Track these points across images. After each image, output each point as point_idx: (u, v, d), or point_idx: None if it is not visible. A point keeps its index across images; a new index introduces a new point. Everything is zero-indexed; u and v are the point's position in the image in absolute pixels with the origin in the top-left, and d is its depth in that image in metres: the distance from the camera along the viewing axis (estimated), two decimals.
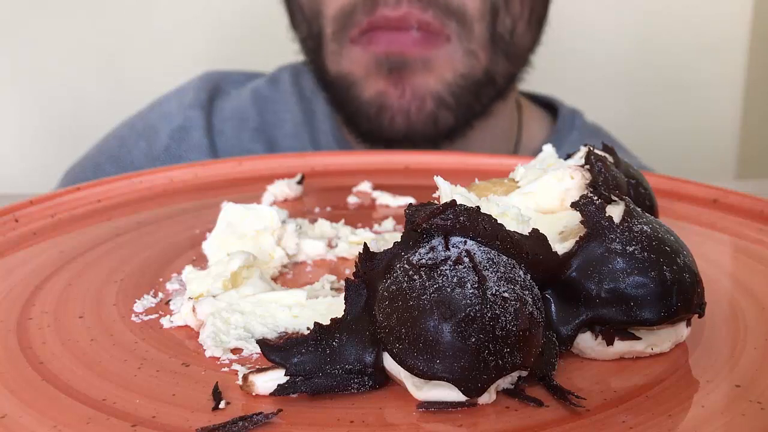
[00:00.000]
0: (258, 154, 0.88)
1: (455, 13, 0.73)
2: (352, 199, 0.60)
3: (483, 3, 0.74)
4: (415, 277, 0.29)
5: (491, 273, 0.29)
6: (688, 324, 0.35)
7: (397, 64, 0.74)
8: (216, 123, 0.91)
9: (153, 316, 0.39)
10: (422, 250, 0.30)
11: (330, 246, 0.49)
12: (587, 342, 0.34)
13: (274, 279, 0.45)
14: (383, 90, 0.76)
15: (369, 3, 0.72)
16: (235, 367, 0.33)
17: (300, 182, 0.62)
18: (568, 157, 0.43)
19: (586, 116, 0.95)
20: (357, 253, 0.32)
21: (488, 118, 0.83)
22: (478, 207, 0.31)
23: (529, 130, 0.92)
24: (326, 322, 0.32)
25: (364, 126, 0.79)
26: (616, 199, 0.34)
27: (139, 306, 0.40)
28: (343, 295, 0.32)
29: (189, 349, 0.35)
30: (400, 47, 0.73)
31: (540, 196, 0.38)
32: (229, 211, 0.47)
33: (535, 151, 0.89)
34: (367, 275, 0.32)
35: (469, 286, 0.29)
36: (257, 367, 0.32)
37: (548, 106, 0.97)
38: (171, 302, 0.40)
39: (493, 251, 0.30)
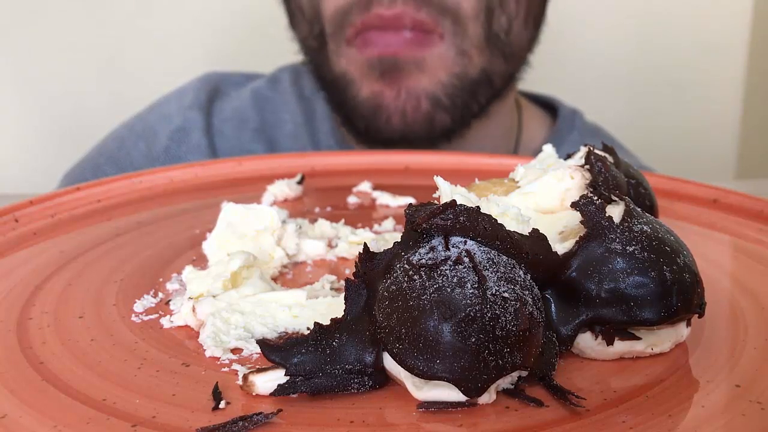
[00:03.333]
0: (258, 154, 0.88)
1: (449, 11, 0.73)
2: (352, 199, 0.60)
3: (478, 2, 0.74)
4: (415, 277, 0.29)
5: (491, 273, 0.29)
6: (688, 324, 0.35)
7: (390, 66, 0.74)
8: (216, 123, 0.91)
9: (153, 316, 0.39)
10: (422, 250, 0.30)
11: (330, 246, 0.49)
12: (587, 342, 0.34)
13: (274, 279, 0.45)
14: (378, 90, 0.76)
15: (364, 2, 0.73)
16: (235, 367, 0.33)
17: (300, 182, 0.62)
18: (568, 157, 0.43)
19: (586, 116, 0.95)
20: (357, 253, 0.32)
21: (487, 118, 0.83)
22: (478, 207, 0.31)
23: (529, 130, 0.92)
24: (326, 322, 0.32)
25: (361, 126, 0.80)
26: (616, 199, 0.34)
27: (139, 306, 0.40)
28: (343, 295, 0.32)
29: (189, 349, 0.35)
30: (393, 49, 0.74)
31: (540, 196, 0.38)
32: (229, 211, 0.47)
33: (535, 151, 0.89)
34: (367, 275, 0.32)
35: (469, 286, 0.29)
36: (257, 367, 0.32)
37: (548, 106, 0.97)
38: (171, 302, 0.40)
39: (493, 251, 0.30)
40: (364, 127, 0.79)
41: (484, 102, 0.80)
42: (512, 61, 0.80)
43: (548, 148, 0.43)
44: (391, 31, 0.73)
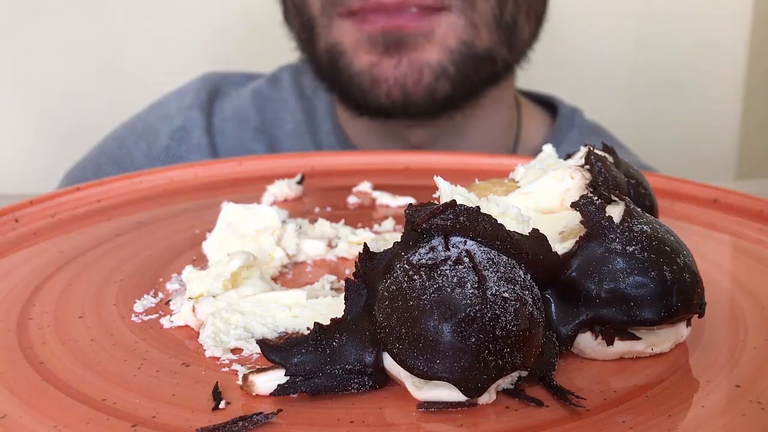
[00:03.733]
0: (259, 153, 0.88)
1: None
2: (352, 199, 0.60)
3: None
4: (415, 277, 0.29)
5: (491, 273, 0.29)
6: (688, 324, 0.35)
7: (394, 39, 0.72)
8: (216, 123, 0.91)
9: (153, 316, 0.39)
10: (422, 250, 0.30)
11: (330, 246, 0.49)
12: (587, 342, 0.34)
13: (274, 279, 0.45)
14: (376, 61, 0.74)
15: None
16: (235, 367, 0.33)
17: (300, 182, 0.62)
18: (568, 157, 0.43)
19: (585, 114, 0.95)
20: (357, 253, 0.32)
21: (485, 111, 0.83)
22: (478, 207, 0.31)
23: (529, 128, 0.92)
24: (326, 322, 0.32)
25: (358, 98, 0.77)
26: (616, 199, 0.34)
27: (139, 306, 0.40)
28: (343, 295, 0.32)
29: (189, 349, 0.35)
30: (397, 23, 0.71)
31: (540, 196, 0.38)
32: (229, 211, 0.47)
33: (535, 149, 0.89)
34: (367, 275, 0.32)
35: (469, 286, 0.29)
36: (257, 367, 0.32)
37: (547, 105, 0.97)
38: (171, 302, 0.40)
39: (493, 251, 0.30)
40: (361, 100, 0.77)
41: (483, 81, 0.78)
42: (514, 51, 0.79)
43: (548, 148, 0.43)
44: (394, 13, 0.71)
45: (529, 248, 0.32)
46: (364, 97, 0.76)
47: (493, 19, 0.74)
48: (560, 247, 0.33)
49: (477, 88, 0.79)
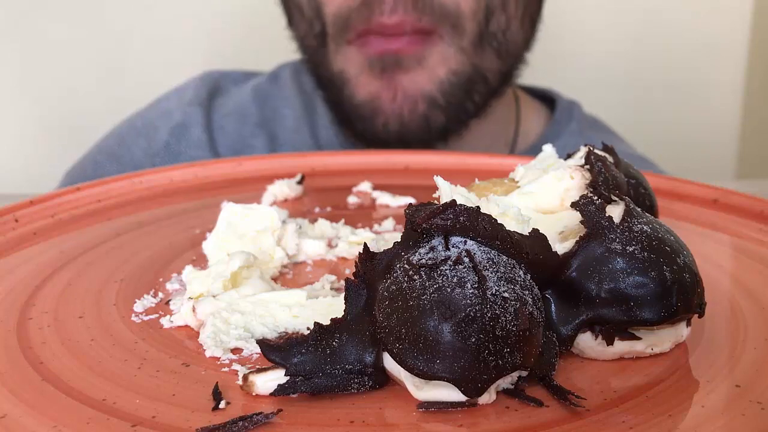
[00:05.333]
0: (259, 149, 0.88)
1: (450, 17, 0.75)
2: (352, 199, 0.60)
3: (477, 3, 0.75)
4: (415, 277, 0.29)
5: (491, 273, 0.29)
6: (688, 324, 0.35)
7: (391, 63, 0.75)
8: (216, 119, 0.91)
9: (153, 316, 0.39)
10: (422, 250, 0.30)
11: (330, 246, 0.49)
12: (587, 342, 0.34)
13: (274, 279, 0.45)
14: (376, 93, 0.77)
15: (365, 10, 0.74)
16: (235, 367, 0.33)
17: (300, 182, 0.62)
18: (568, 157, 0.43)
19: (584, 108, 0.95)
20: (357, 253, 0.32)
21: (485, 114, 0.83)
22: (478, 207, 0.31)
23: (527, 122, 0.92)
24: (326, 322, 0.32)
25: (358, 127, 0.80)
26: (616, 199, 0.34)
27: (139, 306, 0.40)
28: (343, 295, 0.32)
29: (189, 349, 0.35)
30: (395, 47, 0.74)
31: (540, 196, 0.38)
32: (229, 211, 0.47)
33: (534, 143, 0.89)
34: (367, 275, 0.32)
35: (469, 286, 0.29)
36: (257, 367, 0.32)
37: (546, 99, 0.97)
38: (171, 302, 0.40)
39: (493, 251, 0.30)
40: (361, 129, 0.80)
41: (480, 101, 0.80)
42: (506, 59, 0.80)
43: (548, 148, 0.43)
44: (391, 37, 0.74)
45: (529, 248, 0.32)
46: (363, 127, 0.80)
47: (477, 34, 0.76)
48: (560, 247, 0.33)
49: (474, 113, 0.81)
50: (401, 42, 0.74)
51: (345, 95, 0.79)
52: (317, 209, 0.58)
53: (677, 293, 0.32)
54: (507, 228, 0.31)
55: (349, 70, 0.78)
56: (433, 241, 0.31)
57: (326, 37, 0.79)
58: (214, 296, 0.39)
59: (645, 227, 0.33)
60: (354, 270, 0.32)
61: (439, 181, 0.36)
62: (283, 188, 0.60)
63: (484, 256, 0.30)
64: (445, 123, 0.79)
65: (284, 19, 0.86)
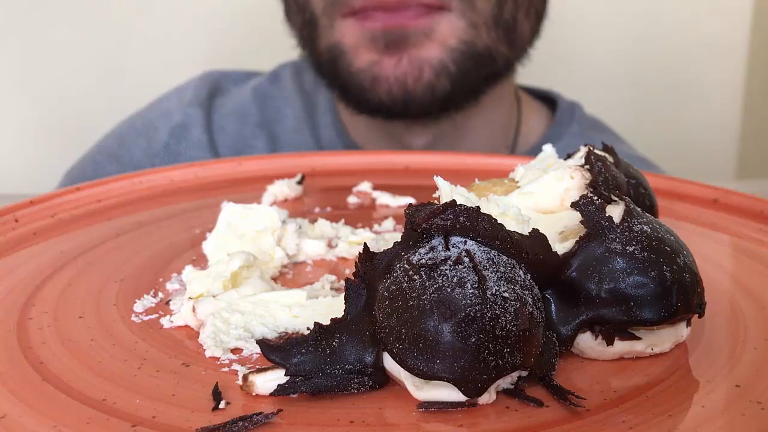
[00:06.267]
0: (259, 149, 0.88)
1: None
2: (352, 199, 0.60)
3: None
4: (415, 277, 0.29)
5: (491, 273, 0.29)
6: (688, 324, 0.35)
7: (396, 37, 0.72)
8: (216, 119, 0.91)
9: (153, 316, 0.39)
10: (422, 250, 0.30)
11: (330, 246, 0.49)
12: (587, 342, 0.34)
13: (274, 279, 0.45)
14: (376, 59, 0.74)
15: None
16: (235, 367, 0.33)
17: (300, 182, 0.62)
18: (568, 157, 0.43)
19: (585, 109, 0.95)
20: (357, 253, 0.32)
21: (485, 107, 0.83)
22: (478, 207, 0.31)
23: (529, 123, 0.92)
24: (326, 322, 0.32)
25: (358, 96, 0.78)
26: (616, 199, 0.34)
27: (139, 306, 0.40)
28: (343, 295, 0.32)
29: (189, 349, 0.35)
30: (399, 21, 0.72)
31: (540, 196, 0.38)
32: (229, 211, 0.47)
33: (535, 144, 0.89)
34: (367, 275, 0.32)
35: (469, 286, 0.29)
36: (257, 367, 0.32)
37: (547, 100, 0.97)
38: (171, 302, 0.40)
39: (493, 251, 0.30)
40: (361, 98, 0.77)
41: (483, 80, 0.79)
42: (514, 48, 0.80)
43: (548, 148, 0.43)
44: (395, 11, 0.72)
45: (529, 248, 0.32)
46: (364, 96, 0.77)
47: (492, 18, 0.75)
48: (560, 247, 0.33)
49: (477, 86, 0.79)
50: (406, 15, 0.71)
51: (341, 64, 0.76)
52: (317, 209, 0.58)
53: (677, 293, 0.32)
54: (507, 228, 0.31)
55: (346, 41, 0.75)
56: (433, 241, 0.31)
57: (317, 21, 0.76)
58: (214, 296, 0.39)
59: (645, 227, 0.33)
60: (354, 270, 0.32)
61: (439, 181, 0.36)
62: (283, 188, 0.60)
63: (484, 256, 0.30)
64: (450, 92, 0.76)
65: (283, 17, 0.86)
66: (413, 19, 0.72)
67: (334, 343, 0.31)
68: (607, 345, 0.33)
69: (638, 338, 0.34)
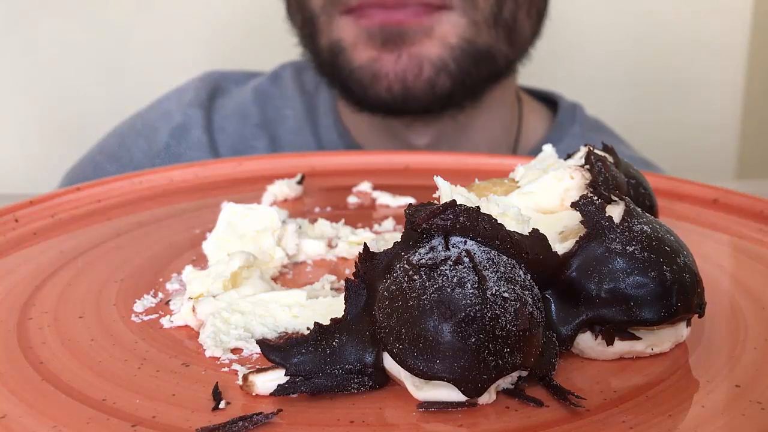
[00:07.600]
0: (260, 150, 0.88)
1: None
2: (352, 199, 0.60)
3: None
4: (415, 277, 0.29)
5: (491, 273, 0.29)
6: (688, 324, 0.35)
7: (393, 34, 0.72)
8: (217, 120, 0.91)
9: (153, 316, 0.39)
10: (422, 250, 0.30)
11: (330, 246, 0.49)
12: (587, 342, 0.34)
13: (274, 279, 0.45)
14: (375, 56, 0.74)
15: None
16: (235, 367, 0.33)
17: (300, 182, 0.62)
18: (568, 157, 0.43)
19: (586, 110, 0.95)
20: (357, 253, 0.32)
21: (487, 107, 0.83)
22: (478, 207, 0.31)
23: (530, 123, 0.92)
24: (326, 322, 0.32)
25: (359, 93, 0.78)
26: (616, 199, 0.34)
27: (139, 306, 0.40)
28: (343, 295, 0.32)
29: (189, 349, 0.35)
30: (397, 18, 0.72)
31: (540, 196, 0.38)
32: (229, 211, 0.47)
33: (536, 145, 0.89)
34: (367, 275, 0.32)
35: (469, 286, 0.29)
36: (257, 367, 0.32)
37: (548, 101, 0.97)
38: (171, 302, 0.40)
39: (493, 251, 0.30)
40: (362, 95, 0.77)
41: (483, 79, 0.78)
42: (515, 47, 0.80)
43: (548, 148, 0.43)
44: (393, 9, 0.72)
45: (529, 248, 0.32)
46: (364, 93, 0.77)
47: (492, 17, 0.75)
48: (560, 247, 0.33)
49: (478, 85, 0.79)
50: (404, 13, 0.71)
51: (341, 61, 0.76)
52: (317, 209, 0.58)
53: (677, 293, 0.32)
54: (507, 228, 0.31)
55: (345, 38, 0.75)
56: (433, 241, 0.31)
57: (316, 20, 0.76)
58: (214, 296, 0.39)
59: (645, 227, 0.33)
60: (354, 270, 0.32)
61: (439, 181, 0.36)
62: (283, 188, 0.60)
63: (484, 256, 0.30)
64: (451, 90, 0.76)
65: (285, 17, 0.86)
66: (412, 17, 0.72)
67: (334, 343, 0.31)
68: (607, 345, 0.33)
69: (638, 338, 0.34)
